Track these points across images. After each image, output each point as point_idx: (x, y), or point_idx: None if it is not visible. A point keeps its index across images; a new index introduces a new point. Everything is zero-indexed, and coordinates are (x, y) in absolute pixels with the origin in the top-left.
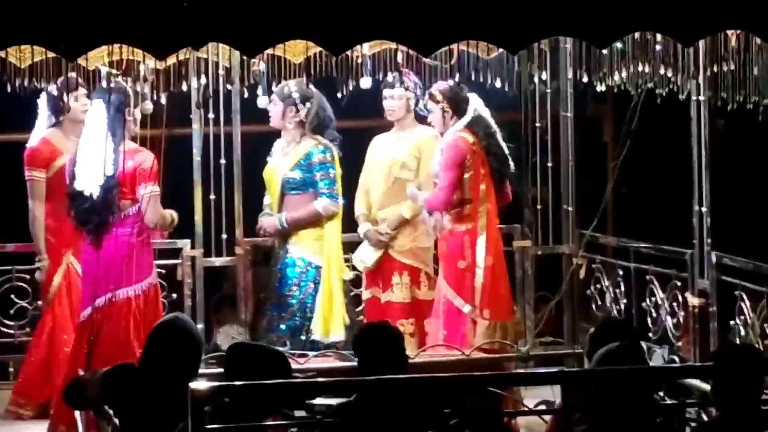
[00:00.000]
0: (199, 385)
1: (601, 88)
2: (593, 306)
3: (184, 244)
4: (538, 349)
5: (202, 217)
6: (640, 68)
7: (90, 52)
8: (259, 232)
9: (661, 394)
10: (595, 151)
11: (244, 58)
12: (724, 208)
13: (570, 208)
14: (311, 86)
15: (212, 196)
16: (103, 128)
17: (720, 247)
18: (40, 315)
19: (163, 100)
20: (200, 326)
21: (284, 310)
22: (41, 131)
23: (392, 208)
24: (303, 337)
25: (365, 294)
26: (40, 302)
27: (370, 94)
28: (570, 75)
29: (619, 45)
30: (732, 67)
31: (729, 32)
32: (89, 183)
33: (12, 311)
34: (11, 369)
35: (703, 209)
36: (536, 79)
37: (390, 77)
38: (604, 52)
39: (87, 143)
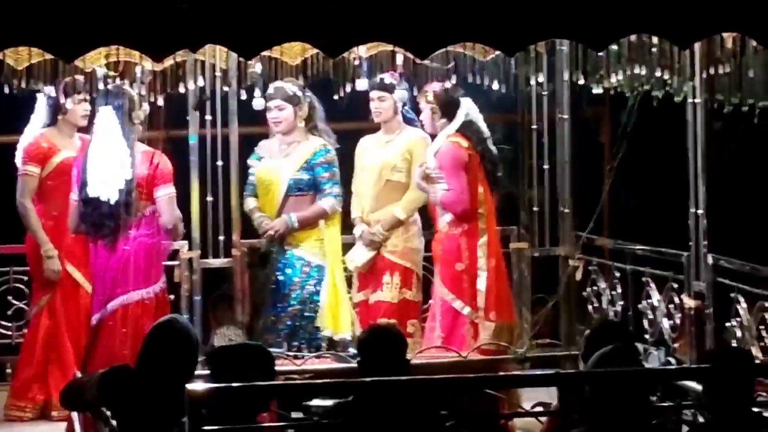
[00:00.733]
0: (197, 386)
1: (597, 90)
2: (589, 308)
3: (182, 245)
4: (534, 350)
5: (199, 219)
6: (637, 70)
7: (87, 53)
8: (268, 234)
9: (657, 395)
10: (591, 153)
11: (241, 60)
12: (720, 211)
13: (566, 210)
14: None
15: (209, 198)
16: (116, 133)
17: (716, 249)
18: (31, 316)
19: (160, 102)
20: (197, 328)
21: (284, 311)
22: (36, 129)
23: (385, 210)
24: (301, 338)
25: (357, 296)
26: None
27: (360, 96)
28: (566, 77)
29: (615, 47)
30: (728, 69)
31: (725, 35)
32: (106, 188)
33: (9, 312)
34: (8, 370)
35: (700, 211)
36: (533, 81)
37: (377, 79)
38: (601, 54)
39: (98, 149)
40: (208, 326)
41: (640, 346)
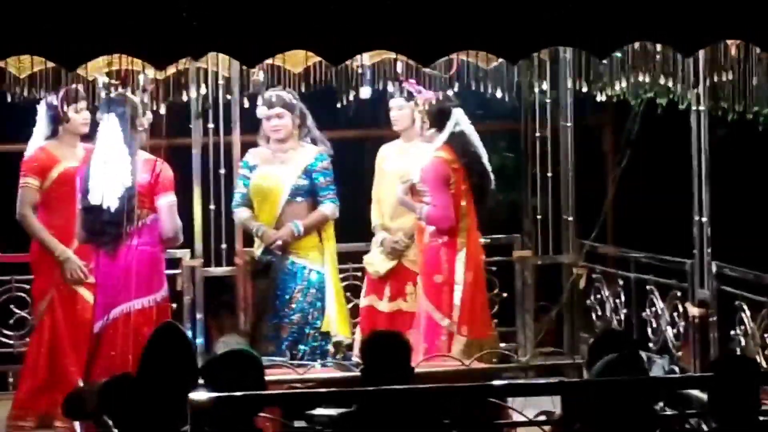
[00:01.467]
0: (199, 395)
1: (601, 98)
2: (593, 316)
3: (184, 253)
4: (538, 359)
5: (201, 227)
6: (640, 78)
7: (89, 61)
8: (276, 244)
9: (661, 404)
10: (595, 161)
11: (244, 67)
12: (724, 218)
13: (570, 218)
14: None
15: (212, 206)
16: (119, 141)
17: (720, 257)
18: (33, 326)
19: (163, 110)
20: (200, 336)
21: (287, 319)
22: (38, 141)
23: (406, 218)
24: (305, 346)
25: (363, 302)
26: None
27: (364, 104)
28: (570, 85)
29: (618, 55)
30: (732, 77)
31: (729, 42)
32: (107, 196)
33: (11, 321)
34: (11, 379)
35: (703, 219)
36: (536, 89)
37: (395, 88)
38: (604, 62)
39: (101, 156)
40: (210, 334)
41: (644, 355)
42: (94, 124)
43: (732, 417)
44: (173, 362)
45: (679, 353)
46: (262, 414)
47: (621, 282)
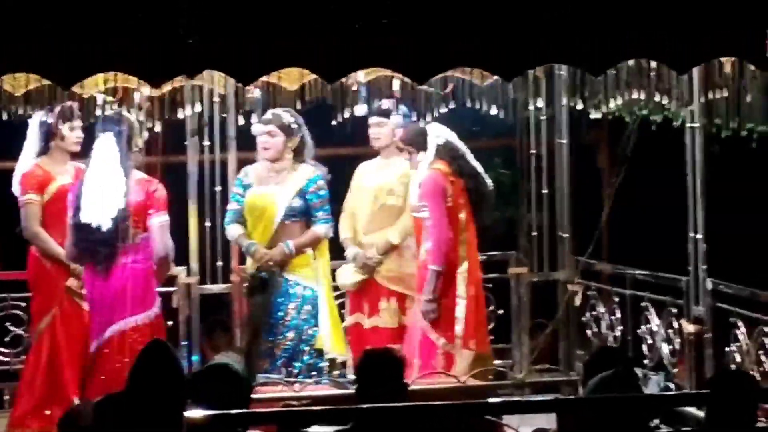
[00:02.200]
0: (195, 413)
1: (596, 115)
2: (589, 333)
3: (180, 271)
4: (533, 376)
5: (197, 245)
6: (635, 95)
7: (85, 79)
8: (265, 263)
9: (657, 421)
10: (590, 177)
11: (239, 85)
12: (719, 235)
13: (565, 235)
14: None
15: (207, 223)
16: (113, 160)
17: (715, 273)
18: (30, 343)
19: (158, 128)
20: (196, 353)
21: (281, 336)
22: (30, 157)
23: (379, 234)
24: (300, 363)
25: (349, 320)
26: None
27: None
28: (565, 102)
29: (613, 72)
30: (726, 94)
31: (723, 59)
32: (99, 215)
33: (7, 339)
34: (6, 397)
35: (699, 236)
36: (531, 106)
37: (376, 106)
38: (599, 79)
39: (95, 175)
40: (205, 352)
41: (639, 372)
42: (86, 142)
43: None
44: (162, 380)
45: (675, 370)
46: None
47: (616, 299)
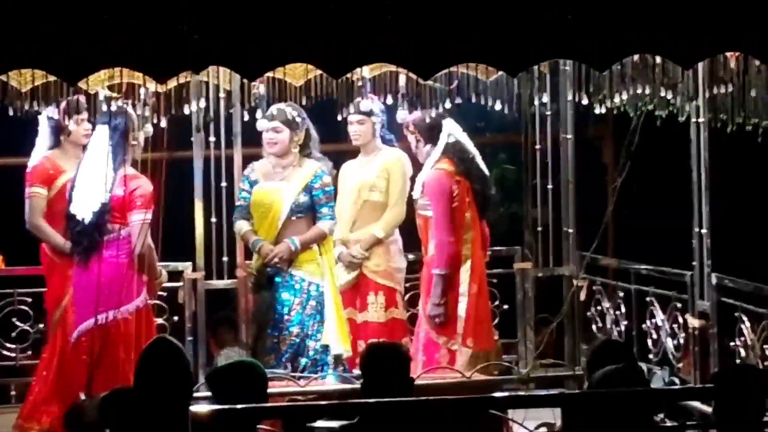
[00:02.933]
0: (200, 408)
1: (601, 110)
2: (594, 328)
3: (185, 266)
4: (538, 371)
5: (203, 240)
6: (640, 90)
7: (91, 75)
8: (271, 260)
9: (662, 416)
10: (595, 173)
11: (245, 81)
12: (723, 230)
13: (570, 230)
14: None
15: (213, 219)
16: (104, 153)
17: (720, 268)
18: (45, 336)
19: (164, 124)
20: (202, 349)
21: (286, 331)
22: (42, 151)
23: (362, 231)
24: (305, 358)
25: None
26: (41, 325)
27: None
28: (570, 97)
29: (618, 67)
30: (731, 89)
31: (728, 54)
32: (82, 207)
33: (13, 334)
34: (13, 392)
35: (703, 231)
36: (536, 102)
37: (355, 103)
38: (604, 74)
39: (87, 168)
40: (211, 348)
41: (644, 366)
42: None
43: (737, 428)
44: (168, 376)
45: (680, 365)
46: (262, 426)
47: (621, 294)
